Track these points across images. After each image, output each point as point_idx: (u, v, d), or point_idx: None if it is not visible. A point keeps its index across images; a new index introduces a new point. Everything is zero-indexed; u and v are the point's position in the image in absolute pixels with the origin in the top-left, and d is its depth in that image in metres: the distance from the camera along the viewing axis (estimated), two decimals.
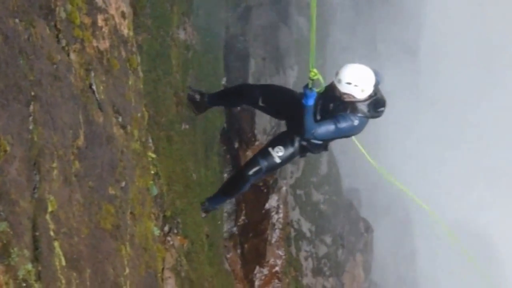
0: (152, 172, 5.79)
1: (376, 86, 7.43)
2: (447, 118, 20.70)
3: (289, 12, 13.02)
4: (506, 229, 23.45)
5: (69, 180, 3.28)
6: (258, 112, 10.02)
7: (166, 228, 6.43)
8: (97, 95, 3.81)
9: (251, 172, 7.48)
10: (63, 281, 3.10)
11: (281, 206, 10.35)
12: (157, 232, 5.79)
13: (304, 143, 7.59)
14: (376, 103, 7.43)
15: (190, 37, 8.57)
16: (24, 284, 2.81)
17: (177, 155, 7.39)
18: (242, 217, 9.97)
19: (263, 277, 9.94)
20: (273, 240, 10.20)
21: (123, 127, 4.36)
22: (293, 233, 11.37)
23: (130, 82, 4.71)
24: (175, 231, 6.62)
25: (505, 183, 23.77)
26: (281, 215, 10.26)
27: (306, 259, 11.97)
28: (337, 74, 7.30)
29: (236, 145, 9.87)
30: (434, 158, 19.89)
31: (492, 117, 22.67)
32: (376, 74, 7.39)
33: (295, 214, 11.60)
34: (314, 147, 7.66)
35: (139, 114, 4.97)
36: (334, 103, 7.24)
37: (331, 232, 13.08)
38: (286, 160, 7.58)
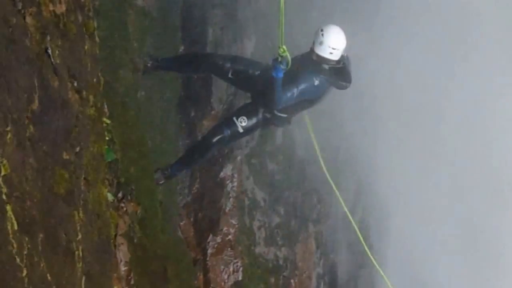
0: (107, 138, 5.78)
1: (347, 60, 7.67)
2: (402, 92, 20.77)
3: None
4: None
5: (23, 144, 3.27)
6: (214, 81, 10.01)
7: (120, 195, 6.43)
8: (52, 59, 3.79)
9: (214, 140, 7.69)
10: (15, 245, 3.10)
11: (236, 175, 10.40)
12: (110, 198, 5.81)
13: (268, 115, 7.75)
14: (341, 73, 7.63)
15: (148, 4, 8.50)
16: None
17: (132, 122, 7.37)
18: (196, 186, 9.99)
19: (216, 245, 10.01)
20: (227, 209, 10.25)
21: (79, 92, 4.34)
22: (247, 202, 11.44)
23: (86, 47, 4.68)
24: (129, 197, 6.62)
25: None
26: (235, 184, 10.31)
27: (259, 228, 12.05)
28: (321, 35, 7.47)
29: (192, 113, 9.86)
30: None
31: (450, 99, 22.74)
32: (348, 60, 7.74)
33: (249, 183, 11.66)
34: (278, 119, 7.82)
35: (95, 80, 4.94)
36: (298, 64, 7.44)
37: (284, 202, 13.17)
38: (248, 131, 7.79)
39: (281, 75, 7.09)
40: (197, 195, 9.91)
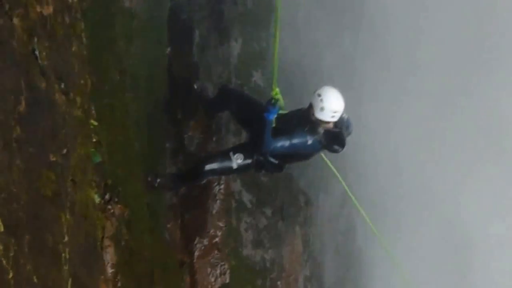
0: (94, 140, 5.77)
1: (345, 126, 7.79)
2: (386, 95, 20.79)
3: None
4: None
5: (9, 145, 3.25)
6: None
7: (107, 197, 6.41)
8: (39, 61, 3.78)
9: (207, 168, 7.88)
10: (1, 247, 3.09)
11: (223, 177, 10.38)
12: (97, 200, 5.80)
13: (261, 158, 7.89)
14: (335, 138, 7.77)
15: (135, 5, 8.49)
16: None
17: (119, 124, 7.35)
18: (183, 188, 9.96)
19: (203, 248, 9.98)
20: (214, 211, 10.23)
21: (66, 93, 4.33)
22: (234, 205, 11.43)
23: (73, 49, 4.67)
24: (116, 199, 6.60)
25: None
26: (222, 186, 10.29)
27: (246, 230, 12.04)
28: (319, 101, 7.58)
29: (179, 115, 9.85)
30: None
31: (436, 99, 22.76)
32: (348, 121, 7.86)
33: (236, 186, 11.65)
34: (270, 165, 7.99)
35: (82, 81, 4.93)
36: (297, 119, 7.63)
37: (271, 204, 13.16)
38: (241, 169, 7.98)
39: (271, 117, 7.33)
40: (184, 197, 9.88)
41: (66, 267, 4.02)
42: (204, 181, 8.51)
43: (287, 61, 12.91)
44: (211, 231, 10.14)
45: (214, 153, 8.65)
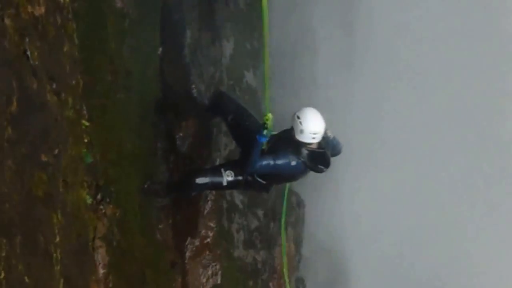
0: (86, 140, 5.76)
1: (331, 146, 7.84)
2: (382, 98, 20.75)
3: None
4: None
5: (1, 146, 3.25)
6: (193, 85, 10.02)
7: (99, 197, 6.40)
8: (31, 61, 3.77)
9: (197, 181, 7.96)
10: None
11: None
12: (89, 200, 5.79)
13: (250, 178, 7.97)
14: (319, 158, 7.83)
15: (127, 5, 8.47)
16: None
17: (111, 124, 7.34)
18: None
19: (194, 248, 9.97)
20: (205, 212, 10.22)
21: (57, 94, 4.32)
22: (225, 205, 11.41)
23: (65, 49, 4.66)
24: (108, 200, 6.59)
25: None
26: None
27: (237, 231, 12.02)
28: (299, 124, 7.66)
29: (171, 116, 9.83)
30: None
31: (428, 102, 22.68)
32: (335, 140, 7.90)
33: None
34: (257, 185, 8.06)
35: (73, 82, 4.93)
36: (283, 140, 7.70)
37: (263, 205, 13.16)
38: (231, 186, 8.07)
39: (264, 140, 7.39)
40: (176, 198, 9.87)
41: (57, 268, 4.02)
42: (195, 194, 8.50)
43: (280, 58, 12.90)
44: (203, 231, 10.14)
45: (205, 168, 8.74)
